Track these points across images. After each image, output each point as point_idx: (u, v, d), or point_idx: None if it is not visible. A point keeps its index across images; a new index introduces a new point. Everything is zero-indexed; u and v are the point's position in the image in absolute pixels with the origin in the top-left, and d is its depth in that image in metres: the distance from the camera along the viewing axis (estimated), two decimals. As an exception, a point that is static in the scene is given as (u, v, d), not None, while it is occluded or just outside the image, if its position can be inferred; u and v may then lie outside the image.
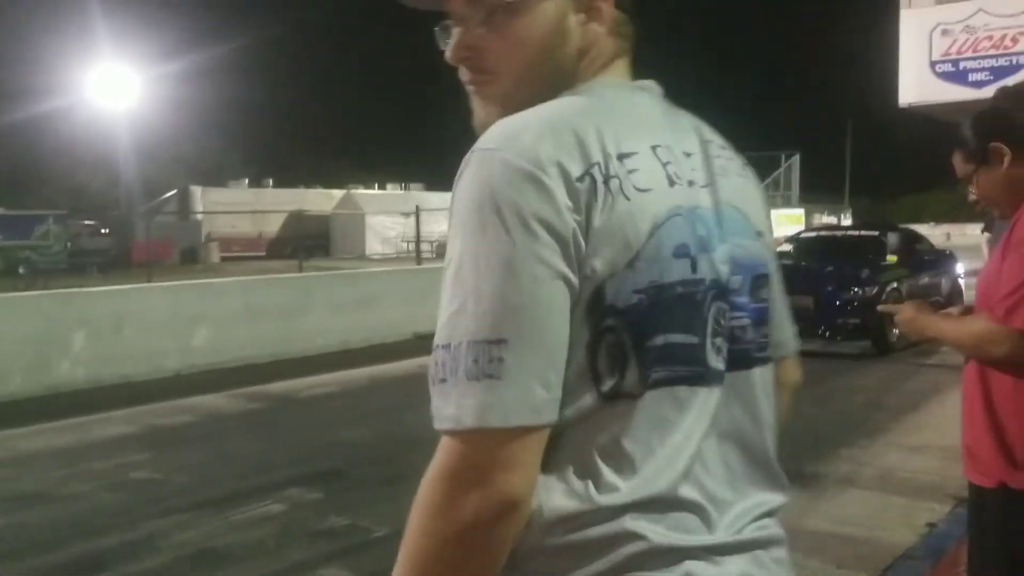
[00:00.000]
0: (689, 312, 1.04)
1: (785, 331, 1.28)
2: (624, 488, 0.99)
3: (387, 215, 39.14)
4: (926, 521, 4.91)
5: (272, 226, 39.78)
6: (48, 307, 9.47)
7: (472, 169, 0.98)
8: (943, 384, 8.45)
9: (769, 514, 1.14)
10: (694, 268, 1.04)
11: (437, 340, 0.96)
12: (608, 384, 1.00)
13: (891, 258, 11.80)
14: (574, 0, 1.11)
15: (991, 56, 11.74)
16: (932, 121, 11.79)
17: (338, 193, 44.26)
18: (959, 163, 2.42)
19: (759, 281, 1.16)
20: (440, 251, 26.24)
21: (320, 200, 41.94)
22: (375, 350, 11.48)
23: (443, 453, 0.95)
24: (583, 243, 0.97)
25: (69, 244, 30.15)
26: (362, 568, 4.38)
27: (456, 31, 1.13)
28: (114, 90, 36.87)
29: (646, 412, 1.01)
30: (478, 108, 1.16)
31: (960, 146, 2.40)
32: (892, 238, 12.67)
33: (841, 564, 4.37)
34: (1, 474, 6.27)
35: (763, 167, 28.88)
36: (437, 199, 40.35)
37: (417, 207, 21.12)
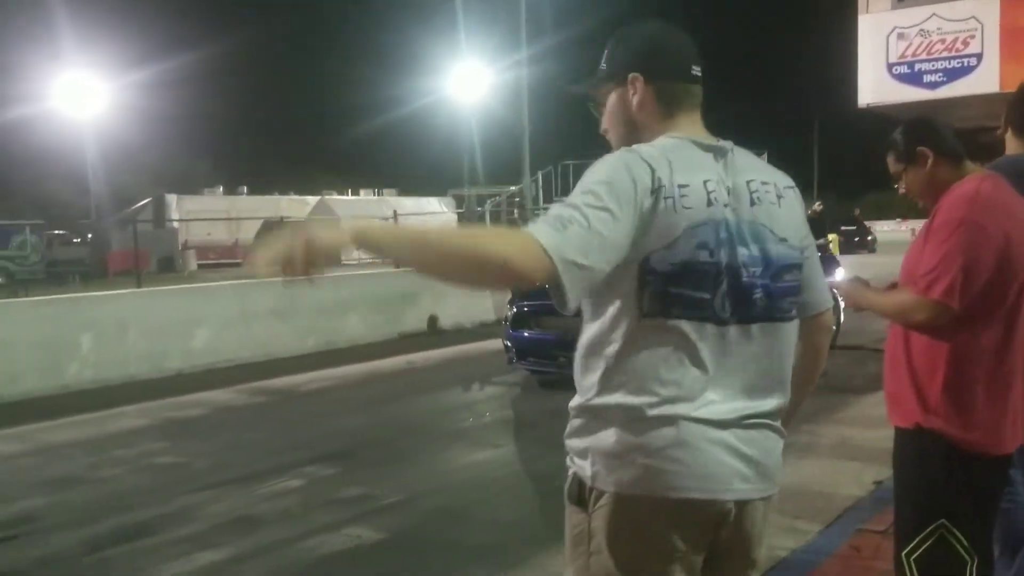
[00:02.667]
0: (704, 280, 1.69)
1: (815, 295, 1.93)
2: (665, 377, 1.67)
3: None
4: (874, 479, 5.54)
5: (248, 233, 39.83)
6: (55, 312, 9.94)
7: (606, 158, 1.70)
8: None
9: (769, 413, 1.78)
10: (712, 255, 1.69)
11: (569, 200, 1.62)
12: (644, 311, 1.67)
13: None
14: (623, 87, 1.86)
15: (944, 58, 12.28)
16: (890, 120, 12.25)
17: (312, 199, 44.15)
18: (891, 163, 2.78)
19: (783, 270, 1.78)
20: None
21: (295, 207, 42.02)
22: (361, 349, 12.06)
23: (530, 236, 1.52)
24: (644, 222, 1.62)
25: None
26: (380, 526, 4.95)
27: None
28: (81, 99, 36.59)
29: (672, 334, 1.68)
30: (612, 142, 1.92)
31: (891, 148, 2.76)
32: None
33: (798, 516, 4.99)
34: (28, 463, 6.74)
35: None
36: (411, 203, 40.39)
37: (395, 211, 21.54)
